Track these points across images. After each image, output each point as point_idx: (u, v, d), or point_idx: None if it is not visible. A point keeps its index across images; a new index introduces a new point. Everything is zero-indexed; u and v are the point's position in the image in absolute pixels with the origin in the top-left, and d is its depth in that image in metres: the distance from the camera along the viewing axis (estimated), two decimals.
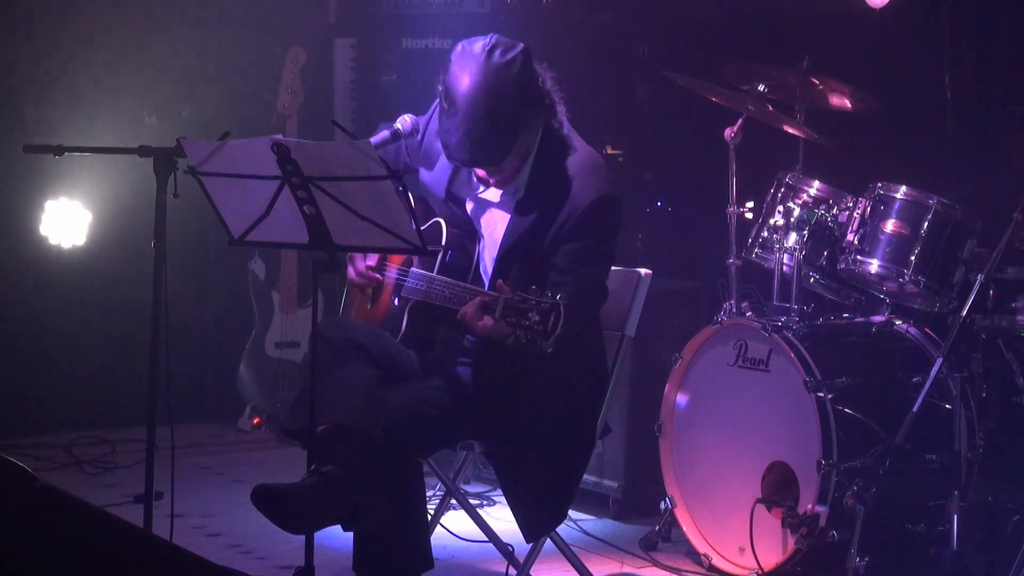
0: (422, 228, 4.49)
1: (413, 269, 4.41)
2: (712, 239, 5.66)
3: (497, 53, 4.23)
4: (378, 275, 4.50)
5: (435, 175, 4.49)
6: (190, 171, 3.90)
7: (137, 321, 6.69)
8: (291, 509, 3.96)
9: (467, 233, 4.46)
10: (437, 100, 4.34)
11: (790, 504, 4.83)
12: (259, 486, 3.96)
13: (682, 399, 5.21)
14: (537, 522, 4.41)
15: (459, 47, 4.29)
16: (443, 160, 4.45)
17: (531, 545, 4.57)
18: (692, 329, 5.26)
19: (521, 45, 4.29)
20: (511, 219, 4.36)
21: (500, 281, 4.05)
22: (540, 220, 4.29)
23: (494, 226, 4.43)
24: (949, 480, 4.86)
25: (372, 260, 4.50)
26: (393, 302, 4.48)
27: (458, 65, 4.25)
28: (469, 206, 4.46)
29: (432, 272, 4.36)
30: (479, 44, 4.26)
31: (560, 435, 4.40)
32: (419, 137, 4.54)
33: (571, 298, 3.95)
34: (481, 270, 4.46)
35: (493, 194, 4.41)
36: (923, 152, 5.99)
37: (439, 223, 4.46)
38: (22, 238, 6.63)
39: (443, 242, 4.43)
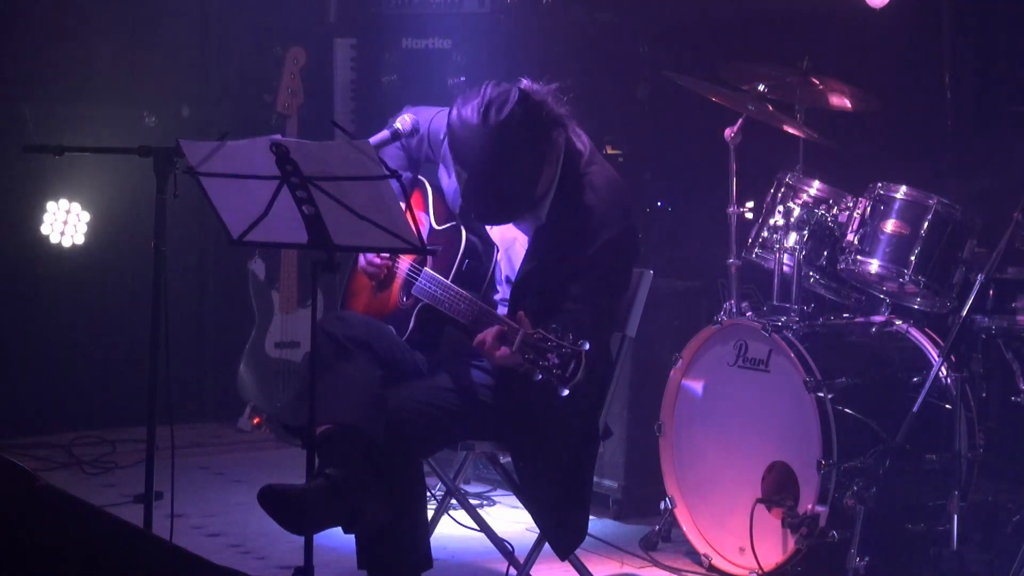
0: (441, 229, 4.48)
1: (426, 270, 4.39)
2: (712, 239, 5.66)
3: (493, 113, 4.15)
4: (389, 263, 4.49)
5: (452, 184, 4.48)
6: (189, 171, 3.90)
7: (137, 321, 6.70)
8: (295, 511, 3.97)
9: (484, 242, 4.45)
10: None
11: (790, 504, 4.83)
12: (265, 487, 3.97)
13: (682, 399, 5.21)
14: (569, 539, 4.44)
15: (455, 111, 4.21)
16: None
17: (531, 545, 4.57)
18: (692, 329, 5.26)
19: (515, 91, 4.20)
20: (529, 247, 4.35)
21: (521, 313, 4.00)
22: (558, 250, 4.28)
23: (511, 242, 4.43)
24: (949, 480, 4.85)
25: None
26: (401, 298, 4.46)
27: (459, 131, 4.19)
28: None
29: (447, 278, 4.34)
30: (473, 105, 4.18)
31: (571, 441, 4.40)
32: (443, 135, 4.49)
33: (585, 331, 3.93)
34: (496, 280, 4.45)
35: None
36: (923, 152, 5.99)
37: (458, 227, 4.44)
38: (22, 238, 6.63)
39: (462, 248, 4.40)
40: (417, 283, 4.39)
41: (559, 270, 4.25)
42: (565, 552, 4.47)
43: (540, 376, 3.89)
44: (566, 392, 3.88)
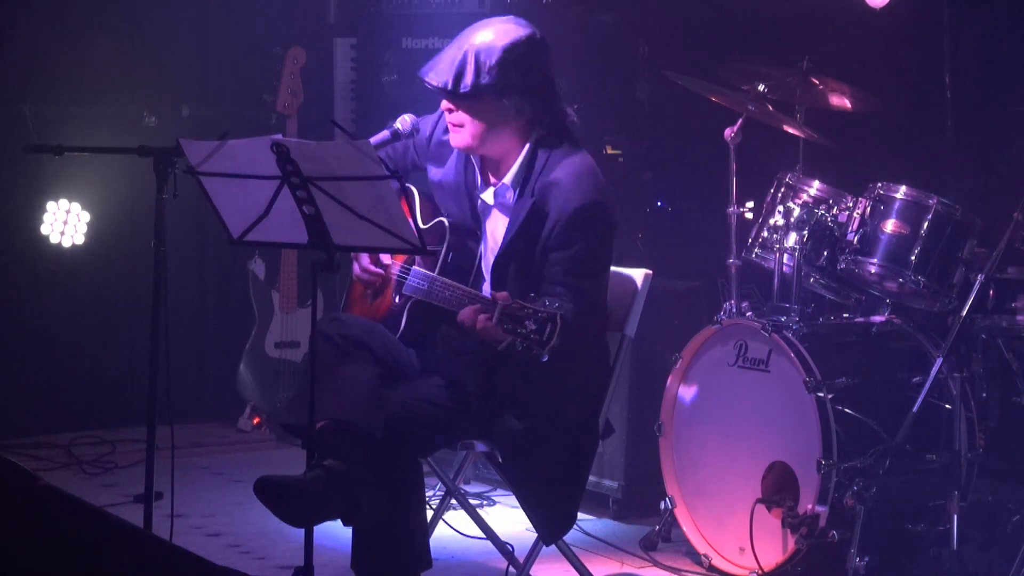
0: (426, 227, 4.49)
1: (415, 268, 4.41)
2: (712, 239, 5.66)
3: (515, 20, 4.37)
4: (382, 271, 4.51)
5: (446, 172, 4.50)
6: (189, 171, 3.90)
7: (137, 321, 6.71)
8: (293, 502, 3.96)
9: (471, 233, 4.46)
10: None
11: (790, 504, 4.83)
12: (261, 478, 3.97)
13: (682, 399, 5.21)
14: (554, 525, 4.43)
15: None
16: (454, 158, 4.47)
17: (531, 545, 4.57)
18: (692, 329, 5.25)
19: (540, 34, 4.37)
20: (508, 224, 4.37)
21: (504, 293, 4.02)
22: (533, 226, 4.29)
23: (496, 228, 4.44)
24: (949, 480, 4.86)
25: (385, 257, 4.51)
26: (394, 300, 4.48)
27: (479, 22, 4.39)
28: (479, 205, 4.47)
29: (434, 272, 4.36)
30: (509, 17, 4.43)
31: (567, 435, 4.40)
32: (427, 134, 4.53)
33: (569, 315, 3.94)
34: (483, 271, 4.46)
35: (489, 196, 4.43)
36: (923, 152, 5.99)
37: (443, 223, 4.45)
38: (22, 238, 6.63)
39: (446, 242, 4.42)
40: (407, 282, 4.41)
41: (535, 251, 4.27)
42: (550, 537, 4.45)
43: (520, 345, 3.91)
44: (546, 358, 3.91)
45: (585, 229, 4.26)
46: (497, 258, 4.37)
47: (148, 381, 4.11)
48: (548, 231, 4.26)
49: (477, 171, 4.46)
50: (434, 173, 4.55)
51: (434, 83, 4.34)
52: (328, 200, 3.82)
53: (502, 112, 4.32)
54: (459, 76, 4.28)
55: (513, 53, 4.28)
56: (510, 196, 4.38)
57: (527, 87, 4.31)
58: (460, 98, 4.31)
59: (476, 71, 4.26)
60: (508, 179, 4.38)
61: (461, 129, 4.36)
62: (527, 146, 4.37)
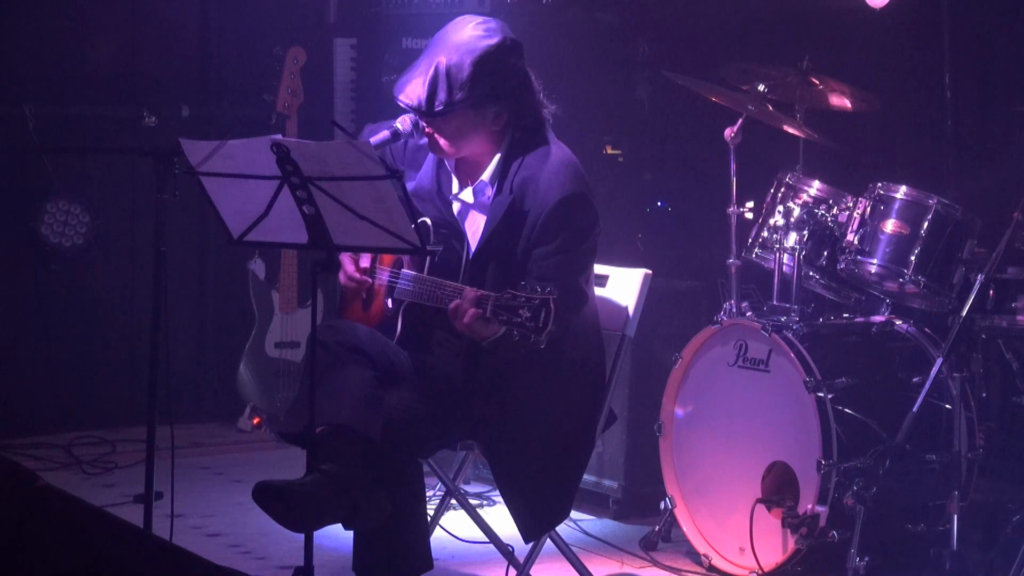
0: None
1: (404, 270, 4.40)
2: (712, 239, 5.66)
3: (483, 24, 4.31)
4: (368, 277, 4.49)
5: (421, 177, 4.50)
6: (189, 171, 3.90)
7: (137, 321, 6.71)
8: (292, 507, 3.95)
9: (454, 233, 4.45)
10: None
11: (790, 504, 4.83)
12: (260, 483, 3.95)
13: (682, 399, 5.21)
14: (534, 521, 4.40)
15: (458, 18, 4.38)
16: (429, 161, 4.46)
17: (531, 545, 4.57)
18: (692, 329, 5.25)
19: (513, 36, 4.32)
20: (486, 220, 4.37)
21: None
22: (512, 223, 4.28)
23: (476, 228, 4.44)
24: (949, 480, 4.86)
25: (365, 262, 4.50)
26: (387, 304, 4.47)
27: (447, 27, 4.35)
28: (456, 207, 4.46)
29: (423, 272, 4.36)
30: (476, 16, 4.37)
31: (558, 433, 4.39)
32: (414, 139, 4.52)
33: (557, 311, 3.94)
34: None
35: (468, 195, 4.42)
36: (923, 152, 5.99)
37: (426, 223, 4.44)
38: (22, 238, 6.63)
39: (431, 242, 4.42)
40: (398, 285, 4.40)
41: (515, 241, 4.26)
42: (529, 534, 4.42)
43: (517, 334, 3.90)
44: (544, 344, 3.90)
45: (566, 223, 4.24)
46: (475, 255, 4.36)
47: (148, 381, 4.11)
48: (529, 228, 4.25)
49: (452, 173, 4.46)
50: (410, 179, 4.54)
51: (408, 103, 4.33)
52: (328, 200, 3.82)
53: (478, 121, 4.32)
54: (432, 95, 4.26)
55: (485, 65, 4.25)
56: (488, 193, 4.38)
57: (502, 93, 4.30)
58: (435, 116, 4.31)
59: (448, 88, 4.24)
60: (486, 176, 4.38)
61: (438, 140, 4.36)
62: (504, 143, 4.36)
